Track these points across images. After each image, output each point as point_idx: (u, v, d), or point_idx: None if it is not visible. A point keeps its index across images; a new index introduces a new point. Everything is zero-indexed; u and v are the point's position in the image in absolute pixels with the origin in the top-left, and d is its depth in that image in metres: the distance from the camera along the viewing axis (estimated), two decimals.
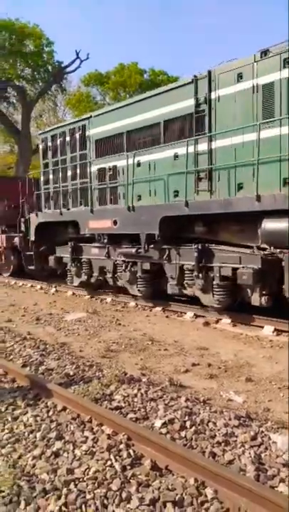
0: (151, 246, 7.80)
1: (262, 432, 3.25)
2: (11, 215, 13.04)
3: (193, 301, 7.62)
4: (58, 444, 3.13)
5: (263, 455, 2.95)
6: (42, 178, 11.11)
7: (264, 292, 6.19)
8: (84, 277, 9.59)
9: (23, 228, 11.65)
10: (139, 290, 8.23)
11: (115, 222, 8.44)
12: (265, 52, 6.18)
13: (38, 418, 3.57)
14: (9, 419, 3.56)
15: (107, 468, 2.84)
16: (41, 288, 11.33)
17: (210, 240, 7.14)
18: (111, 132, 8.82)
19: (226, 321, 6.84)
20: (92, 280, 9.46)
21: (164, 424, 3.40)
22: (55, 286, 10.98)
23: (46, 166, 10.86)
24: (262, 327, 6.36)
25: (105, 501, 2.51)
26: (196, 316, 7.35)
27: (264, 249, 6.34)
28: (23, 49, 24.12)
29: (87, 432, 3.30)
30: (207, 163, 6.96)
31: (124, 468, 2.82)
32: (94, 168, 9.21)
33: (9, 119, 26.46)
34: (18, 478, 2.71)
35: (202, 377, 4.59)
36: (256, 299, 6.24)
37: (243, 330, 6.44)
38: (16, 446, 3.13)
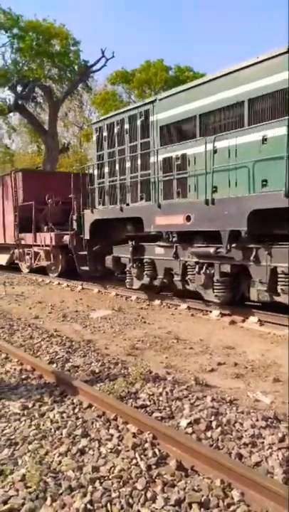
0: (234, 245, 6.74)
1: None
2: (58, 212, 12.67)
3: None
4: (84, 442, 3.15)
5: None
6: (96, 172, 9.99)
7: None
8: (146, 280, 8.62)
9: (75, 226, 10.81)
10: (216, 295, 7.19)
11: (188, 218, 7.34)
12: None
13: (64, 415, 3.59)
14: (36, 415, 3.61)
15: (132, 466, 2.83)
16: (68, 285, 11.45)
17: None
18: (180, 116, 7.71)
19: (252, 319, 6.73)
20: (156, 283, 8.46)
21: (190, 424, 3.37)
22: (113, 287, 10.31)
23: (101, 158, 9.76)
24: None
25: (130, 500, 2.51)
26: (222, 314, 7.27)
27: None
28: (49, 49, 24.38)
29: (112, 430, 3.31)
30: None
31: (149, 468, 2.81)
32: (158, 158, 8.08)
33: (36, 119, 26.83)
34: (45, 474, 2.73)
35: (228, 377, 4.53)
36: None
37: (271, 329, 6.32)
38: (43, 442, 3.16)
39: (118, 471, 2.78)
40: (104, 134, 9.55)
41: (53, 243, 12.10)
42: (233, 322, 6.84)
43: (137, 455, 2.95)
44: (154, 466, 2.83)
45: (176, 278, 7.89)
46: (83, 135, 31.53)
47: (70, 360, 5.05)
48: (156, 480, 2.69)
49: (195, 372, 4.66)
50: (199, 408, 3.63)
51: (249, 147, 6.49)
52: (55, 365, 4.85)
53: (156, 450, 3.00)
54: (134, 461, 2.89)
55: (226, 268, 6.97)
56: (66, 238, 11.48)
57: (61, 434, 3.28)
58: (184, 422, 3.40)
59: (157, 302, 8.59)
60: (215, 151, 6.92)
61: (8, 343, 5.75)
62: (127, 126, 8.91)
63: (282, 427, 3.30)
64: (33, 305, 8.74)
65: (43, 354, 5.30)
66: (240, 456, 2.93)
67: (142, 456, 2.94)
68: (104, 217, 9.61)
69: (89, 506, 2.44)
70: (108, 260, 9.56)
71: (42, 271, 13.35)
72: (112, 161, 9.37)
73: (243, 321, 6.84)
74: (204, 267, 7.24)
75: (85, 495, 2.54)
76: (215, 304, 7.27)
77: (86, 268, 10.41)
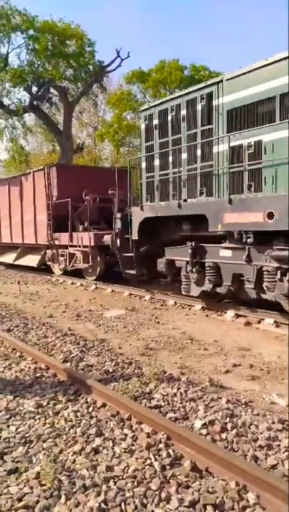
0: None
1: None
2: (93, 210, 11.96)
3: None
4: (98, 441, 3.14)
5: None
6: (143, 165, 8.88)
7: None
8: (207, 286, 7.40)
9: (119, 225, 9.67)
10: None
11: (270, 216, 6.17)
12: None
13: (79, 414, 3.60)
14: (50, 413, 3.62)
15: (147, 467, 2.82)
16: (81, 285, 11.49)
17: None
18: (254, 98, 6.62)
19: (268, 321, 6.65)
20: (221, 290, 7.29)
21: (204, 425, 3.34)
22: (153, 291, 9.40)
23: (150, 149, 8.68)
24: None
25: (144, 500, 2.49)
26: (237, 315, 7.21)
27: None
28: (65, 50, 24.53)
29: (126, 430, 3.30)
30: None
31: (163, 468, 2.80)
32: (224, 147, 6.99)
33: (51, 119, 27.02)
34: (59, 472, 2.73)
35: (243, 379, 4.49)
36: None
37: (287, 331, 6.24)
38: (57, 440, 3.17)
39: (132, 471, 2.77)
40: (155, 122, 8.48)
41: (92, 244, 11.18)
42: (248, 323, 6.78)
43: (151, 455, 2.93)
44: (168, 467, 2.82)
45: (248, 285, 6.71)
46: (97, 135, 31.63)
47: (84, 359, 5.06)
48: (170, 481, 2.67)
49: (210, 373, 4.63)
50: (214, 409, 3.60)
51: None
52: (69, 363, 4.86)
53: (171, 451, 2.98)
54: (148, 462, 2.88)
55: None
56: (107, 238, 10.69)
57: (75, 432, 3.28)
58: (198, 423, 3.38)
59: (171, 302, 8.56)
60: None
61: (23, 341, 5.78)
62: (183, 112, 7.79)
63: None
64: (48, 304, 8.79)
65: (57, 353, 5.32)
66: (255, 459, 2.90)
67: (156, 456, 2.92)
68: (156, 215, 8.43)
69: (103, 505, 2.44)
70: (161, 263, 8.43)
71: (75, 273, 12.44)
72: (164, 152, 8.28)
73: (259, 322, 6.77)
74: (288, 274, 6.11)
75: (99, 494, 2.54)
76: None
77: (133, 272, 9.38)
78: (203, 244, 7.51)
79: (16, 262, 15.50)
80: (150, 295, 9.25)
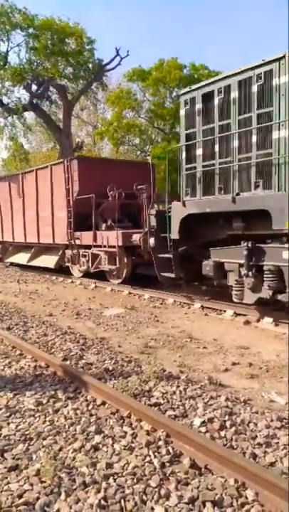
0: None
1: None
2: (117, 207, 10.87)
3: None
4: (98, 438, 3.16)
5: None
6: (183, 155, 7.81)
7: None
8: (266, 293, 6.48)
9: (153, 222, 8.64)
10: None
11: None
12: None
13: (78, 411, 3.62)
14: (50, 411, 3.63)
15: (146, 464, 2.84)
16: (81, 283, 11.50)
17: None
18: None
19: (267, 320, 6.67)
20: (284, 298, 6.64)
21: (204, 423, 3.36)
22: (199, 298, 8.40)
23: (191, 137, 7.62)
24: None
25: (144, 497, 2.51)
26: (236, 314, 7.22)
27: None
28: (64, 48, 24.50)
29: (126, 427, 3.32)
30: None
31: (163, 465, 2.82)
32: (286, 133, 6.14)
33: (51, 117, 26.99)
34: (59, 470, 2.75)
35: (243, 377, 4.51)
36: None
37: (286, 329, 6.26)
38: (57, 438, 3.19)
39: (132, 468, 2.79)
40: (198, 106, 7.42)
41: (120, 243, 10.09)
42: (247, 322, 6.79)
43: (150, 452, 2.95)
44: (167, 464, 2.84)
45: None
46: (97, 133, 31.61)
47: (84, 357, 5.08)
48: (169, 478, 2.69)
49: (209, 371, 4.65)
50: (213, 407, 3.62)
51: None
52: (69, 362, 4.88)
53: (170, 448, 3.00)
54: (147, 459, 2.90)
55: None
56: (135, 238, 9.70)
57: (75, 430, 3.30)
58: (197, 421, 3.40)
59: (170, 301, 8.57)
60: None
61: (23, 339, 5.80)
62: (235, 94, 6.81)
63: None
64: (47, 302, 8.80)
65: (57, 351, 5.33)
66: (254, 456, 2.92)
67: (156, 453, 2.94)
68: (203, 211, 7.33)
69: (103, 502, 2.45)
70: (207, 266, 7.39)
71: (96, 276, 11.45)
72: (209, 140, 7.24)
73: (258, 321, 6.79)
74: None
75: (99, 491, 2.56)
76: None
77: (171, 275, 8.27)
78: (262, 245, 6.54)
79: (30, 263, 14.36)
80: (150, 294, 9.24)
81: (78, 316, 7.47)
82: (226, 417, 3.43)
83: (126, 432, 3.24)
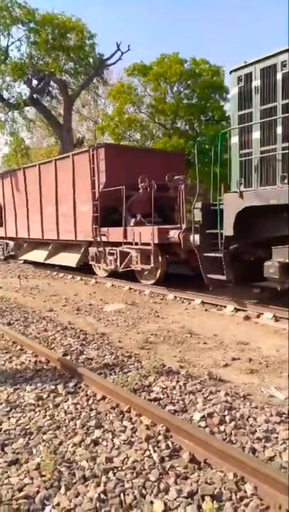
0: None
1: None
2: (145, 200, 10.02)
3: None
4: (98, 433, 3.18)
5: None
6: (235, 140, 6.96)
7: None
8: None
9: (199, 217, 7.65)
10: None
11: None
12: None
13: (78, 406, 3.63)
14: (50, 406, 3.65)
15: (146, 458, 2.85)
16: (81, 279, 11.51)
17: None
18: None
19: (267, 315, 6.68)
20: None
21: (203, 418, 3.37)
22: (251, 303, 7.42)
23: (245, 119, 6.76)
24: None
25: (143, 491, 2.53)
26: (237, 309, 7.23)
27: None
28: (65, 43, 24.40)
29: (126, 422, 3.33)
30: None
31: (162, 460, 2.83)
32: None
33: (51, 113, 26.92)
34: (59, 464, 2.77)
35: (242, 372, 4.52)
36: None
37: (286, 325, 6.27)
38: (57, 432, 3.20)
39: (131, 462, 2.80)
40: (256, 83, 6.56)
41: (156, 241, 9.02)
42: (247, 318, 6.80)
43: (150, 447, 2.97)
44: (167, 458, 2.85)
45: None
46: (98, 128, 31.52)
47: (84, 352, 5.09)
48: (169, 472, 2.71)
49: (209, 366, 4.66)
50: (213, 402, 3.63)
51: None
52: (69, 357, 4.89)
53: (170, 442, 3.01)
54: (147, 453, 2.91)
55: None
56: (173, 234, 8.77)
57: (75, 424, 3.32)
58: (197, 416, 3.41)
59: (171, 297, 8.58)
60: None
61: (23, 335, 5.81)
62: None
63: None
64: (48, 298, 8.81)
65: (57, 346, 5.35)
66: (253, 451, 2.93)
67: (155, 448, 2.96)
68: (266, 204, 6.36)
69: (102, 496, 2.47)
70: (271, 268, 6.41)
71: (122, 276, 10.49)
72: (269, 121, 6.39)
73: (258, 316, 6.80)
74: None
75: (98, 485, 2.57)
76: None
77: (221, 277, 7.23)
78: None
79: (48, 261, 13.39)
80: (150, 289, 9.24)
81: (79, 312, 7.48)
82: (226, 412, 3.45)
83: (126, 427, 3.26)
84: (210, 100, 27.65)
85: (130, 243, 9.78)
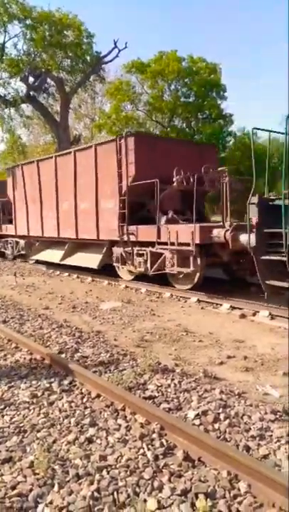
0: None
1: None
2: (176, 195, 9.29)
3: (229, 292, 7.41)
4: (92, 431, 3.17)
5: None
6: None
7: None
8: None
9: (254, 214, 6.86)
10: None
11: None
12: None
13: (73, 404, 3.62)
14: (45, 403, 3.64)
15: (140, 456, 2.85)
16: (78, 277, 11.48)
17: None
18: None
19: (263, 313, 6.68)
20: None
21: (198, 416, 3.37)
22: None
23: None
24: None
25: (137, 489, 2.52)
26: (233, 308, 7.23)
27: None
28: (62, 40, 24.30)
29: (120, 420, 3.32)
30: None
31: (156, 458, 2.83)
32: None
33: (48, 110, 26.82)
34: (53, 462, 2.76)
35: (237, 370, 4.52)
36: None
37: (282, 323, 6.28)
38: (51, 430, 3.19)
39: (125, 461, 2.80)
40: None
41: (198, 241, 7.91)
42: (243, 316, 6.80)
43: (144, 445, 2.96)
44: (161, 456, 2.85)
45: None
46: (95, 126, 31.44)
47: (80, 350, 5.08)
48: (163, 470, 2.70)
49: (204, 364, 4.66)
50: (207, 400, 3.63)
51: None
52: (64, 355, 4.88)
53: (164, 441, 3.01)
54: (141, 451, 2.91)
55: None
56: (218, 233, 7.74)
57: (69, 422, 3.31)
58: (191, 414, 3.41)
59: (167, 295, 8.57)
60: None
61: (19, 332, 5.80)
62: None
63: None
64: (44, 296, 8.79)
65: (52, 344, 5.33)
66: (247, 449, 2.93)
67: (150, 446, 2.95)
68: None
69: (96, 494, 2.46)
70: None
71: (148, 279, 9.49)
72: None
73: (254, 314, 6.80)
74: None
75: (92, 483, 2.57)
76: None
77: (284, 284, 6.47)
78: None
79: (64, 262, 12.34)
80: (146, 287, 9.22)
81: (74, 310, 7.47)
82: (220, 410, 3.44)
83: (120, 425, 3.25)
84: (207, 98, 27.63)
85: (164, 243, 8.71)
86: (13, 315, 6.95)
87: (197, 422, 3.30)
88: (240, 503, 2.40)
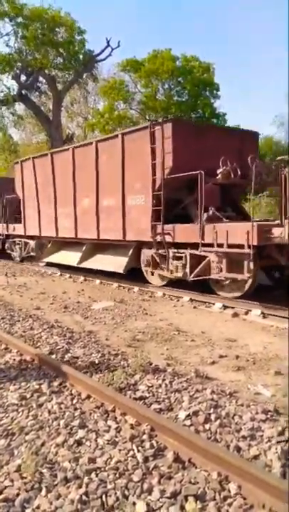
0: None
1: None
2: (216, 191, 8.32)
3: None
4: (81, 433, 3.12)
5: None
6: None
7: None
8: None
9: None
10: None
11: None
12: None
13: (62, 406, 3.57)
14: (34, 405, 3.59)
15: (129, 458, 2.81)
16: (70, 276, 11.41)
17: None
18: None
19: (255, 312, 6.68)
20: None
21: (188, 416, 3.34)
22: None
23: None
24: None
25: (126, 492, 2.48)
26: (225, 307, 7.22)
27: None
28: (54, 38, 24.19)
29: (110, 421, 3.28)
30: None
31: (146, 459, 2.79)
32: None
33: (40, 108, 26.70)
34: (41, 465, 2.71)
35: (229, 370, 4.50)
36: None
37: (274, 322, 6.27)
38: (40, 433, 3.14)
39: (115, 463, 2.76)
40: None
41: (255, 242, 6.78)
42: (235, 315, 6.79)
43: (134, 447, 2.92)
44: (151, 458, 2.81)
45: None
46: (88, 125, 31.34)
47: (70, 350, 5.03)
48: (152, 472, 2.67)
49: (196, 364, 4.63)
50: (198, 400, 3.60)
51: None
52: (54, 355, 4.83)
53: (154, 442, 2.97)
54: (131, 453, 2.87)
55: None
56: (279, 233, 6.68)
57: (58, 424, 3.26)
58: (182, 414, 3.37)
59: (160, 294, 8.54)
60: None
61: (9, 333, 5.74)
62: None
63: (282, 420, 3.26)
64: (35, 296, 8.72)
65: (43, 345, 5.28)
66: (238, 449, 2.90)
67: (140, 447, 2.91)
68: None
69: (84, 497, 2.42)
70: None
71: (187, 285, 8.45)
72: None
73: (246, 313, 6.79)
74: None
75: (80, 486, 2.52)
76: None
77: None
78: None
79: (82, 265, 11.14)
80: (139, 287, 9.19)
81: (66, 310, 7.41)
82: (211, 410, 3.41)
83: (110, 426, 3.21)
84: (200, 97, 27.64)
85: (210, 245, 7.60)
86: (3, 315, 6.88)
87: (188, 422, 3.26)
88: (230, 504, 2.37)
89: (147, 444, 2.94)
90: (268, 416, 3.33)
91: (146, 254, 9.15)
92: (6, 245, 15.83)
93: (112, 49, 25.17)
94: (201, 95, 27.41)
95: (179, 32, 57.20)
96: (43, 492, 2.48)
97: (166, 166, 8.34)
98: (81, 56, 25.41)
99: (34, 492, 2.48)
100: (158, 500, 2.41)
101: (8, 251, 15.73)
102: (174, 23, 56.52)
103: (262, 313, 6.60)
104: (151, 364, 4.48)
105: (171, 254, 8.43)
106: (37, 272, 12.53)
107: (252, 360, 4.76)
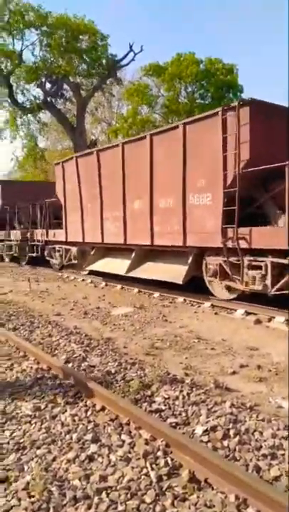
0: None
1: None
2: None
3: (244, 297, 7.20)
4: (94, 448, 3.02)
5: None
6: None
7: None
8: None
9: None
10: None
11: None
12: None
13: (76, 418, 3.47)
14: (47, 417, 3.50)
15: (142, 477, 2.68)
16: (91, 282, 11.38)
17: None
18: None
19: (279, 319, 6.44)
20: None
21: (206, 432, 3.18)
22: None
23: None
24: None
25: None
26: (247, 313, 7.00)
27: None
28: (78, 45, 24.44)
29: (124, 436, 3.16)
30: None
31: (160, 479, 2.65)
32: None
33: (65, 115, 26.97)
34: (50, 483, 2.61)
35: (250, 380, 4.31)
36: None
37: None
38: (51, 447, 3.05)
39: (127, 482, 2.63)
40: None
41: None
42: (258, 321, 6.57)
43: (148, 464, 2.79)
44: (165, 477, 2.67)
45: None
46: (111, 131, 31.50)
47: (87, 359, 4.95)
48: (166, 493, 2.53)
49: (215, 374, 4.46)
50: (217, 414, 3.44)
51: None
52: (71, 364, 4.75)
53: (169, 459, 2.83)
54: (144, 471, 2.74)
55: None
56: None
57: (71, 438, 3.16)
58: (199, 429, 3.22)
59: (180, 300, 8.39)
60: None
61: (27, 340, 5.70)
62: None
63: None
64: (56, 301, 8.71)
65: (60, 352, 5.21)
66: (258, 469, 2.73)
67: (153, 465, 2.78)
68: None
69: None
70: None
71: (265, 300, 7.13)
72: None
73: (269, 320, 6.56)
74: None
75: (89, 507, 2.41)
76: None
77: None
78: None
79: (132, 274, 9.87)
80: (159, 292, 9.04)
81: (86, 316, 7.36)
82: (230, 425, 3.25)
83: (124, 441, 3.09)
84: (224, 99, 27.37)
85: None
86: (23, 322, 6.88)
87: (205, 438, 3.11)
88: None
89: (162, 462, 2.81)
90: None
91: (212, 262, 7.88)
92: (46, 252, 14.53)
93: (135, 54, 25.20)
94: (225, 97, 27.13)
95: (201, 33, 56.97)
96: None
97: (242, 158, 6.97)
98: (104, 61, 25.56)
99: None
100: None
101: (48, 258, 14.51)
102: (194, 24, 56.34)
103: (286, 320, 6.35)
104: (168, 374, 4.35)
105: (246, 263, 7.06)
106: (59, 278, 12.56)
107: (274, 371, 4.55)
